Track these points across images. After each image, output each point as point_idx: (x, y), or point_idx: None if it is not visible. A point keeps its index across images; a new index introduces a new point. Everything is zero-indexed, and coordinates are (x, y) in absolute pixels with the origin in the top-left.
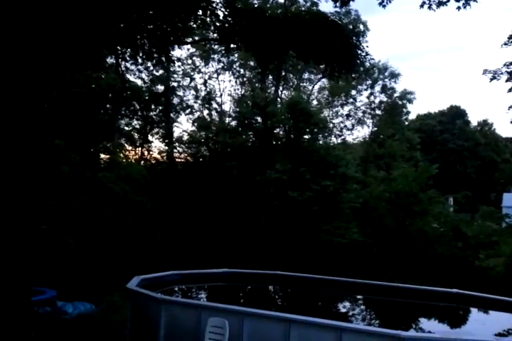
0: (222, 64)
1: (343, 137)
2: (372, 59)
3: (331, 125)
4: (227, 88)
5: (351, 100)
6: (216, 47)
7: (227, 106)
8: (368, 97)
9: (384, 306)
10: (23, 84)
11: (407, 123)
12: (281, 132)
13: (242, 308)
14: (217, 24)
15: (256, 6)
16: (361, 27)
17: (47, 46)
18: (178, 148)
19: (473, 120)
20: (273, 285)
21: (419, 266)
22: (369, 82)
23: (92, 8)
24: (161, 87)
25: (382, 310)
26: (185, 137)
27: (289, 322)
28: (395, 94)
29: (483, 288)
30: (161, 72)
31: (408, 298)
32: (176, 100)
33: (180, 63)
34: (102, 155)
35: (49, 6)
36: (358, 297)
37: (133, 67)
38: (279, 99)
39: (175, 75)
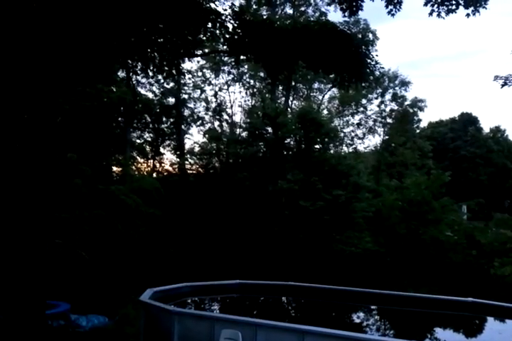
0: (232, 75)
1: (354, 146)
2: (382, 67)
3: (342, 134)
4: (237, 99)
5: (362, 109)
6: (226, 59)
7: (238, 118)
8: (379, 106)
9: (398, 316)
10: (35, 98)
11: (418, 131)
12: (292, 142)
13: (256, 320)
14: (227, 36)
15: (265, 17)
16: (370, 36)
17: (58, 61)
18: (189, 160)
19: (486, 127)
20: (286, 296)
21: (433, 274)
22: (379, 90)
23: (103, 23)
24: (171, 100)
25: (397, 320)
26: (197, 149)
27: (302, 334)
28: (406, 102)
29: (499, 297)
30: (171, 84)
31: (422, 308)
32: (186, 112)
33: (190, 75)
34: (114, 168)
35: (60, 21)
36: (372, 307)
37: (144, 80)
38: (289, 110)
39: (185, 87)
